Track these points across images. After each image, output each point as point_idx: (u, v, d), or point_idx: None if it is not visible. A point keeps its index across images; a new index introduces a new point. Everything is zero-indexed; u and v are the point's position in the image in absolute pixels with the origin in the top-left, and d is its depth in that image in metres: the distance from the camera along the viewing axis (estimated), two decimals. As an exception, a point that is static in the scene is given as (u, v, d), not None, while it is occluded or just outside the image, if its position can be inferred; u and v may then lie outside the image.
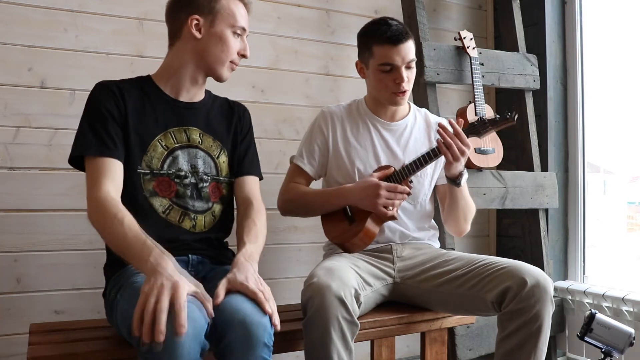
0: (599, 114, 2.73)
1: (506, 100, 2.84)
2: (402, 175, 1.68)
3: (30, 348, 1.36)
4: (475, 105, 2.34)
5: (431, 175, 1.84)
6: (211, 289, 1.23)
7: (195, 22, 1.43)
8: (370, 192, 1.63)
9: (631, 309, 2.29)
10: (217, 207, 1.52)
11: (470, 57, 2.37)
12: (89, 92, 1.43)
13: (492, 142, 2.41)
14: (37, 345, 1.39)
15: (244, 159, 1.58)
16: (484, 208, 2.42)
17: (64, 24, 2.04)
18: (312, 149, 1.81)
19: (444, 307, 1.72)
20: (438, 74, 2.34)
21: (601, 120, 2.74)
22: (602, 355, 1.49)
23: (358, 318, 1.45)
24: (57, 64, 2.02)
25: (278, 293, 1.95)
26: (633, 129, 2.67)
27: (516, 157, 2.60)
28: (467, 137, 1.64)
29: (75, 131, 1.41)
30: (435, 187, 1.87)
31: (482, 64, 2.43)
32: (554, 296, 1.55)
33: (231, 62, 1.48)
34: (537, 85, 2.58)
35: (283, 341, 1.45)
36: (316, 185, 1.88)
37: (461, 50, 2.40)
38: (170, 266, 1.13)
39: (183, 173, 1.46)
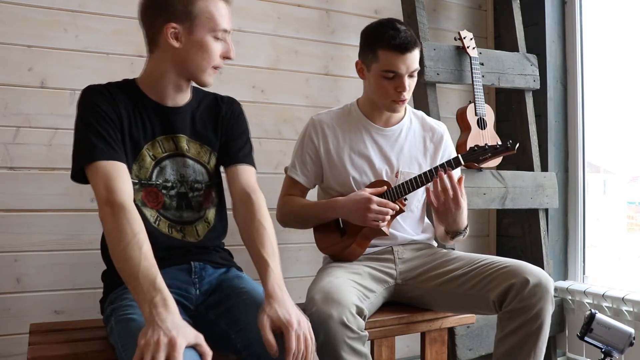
0: (599, 114, 2.73)
1: (506, 100, 2.84)
2: (396, 195, 1.67)
3: (30, 348, 1.36)
4: (475, 105, 2.34)
5: None
6: (231, 310, 1.26)
7: (172, 30, 1.33)
8: (361, 205, 1.62)
9: (631, 309, 2.29)
10: (210, 213, 1.48)
11: (470, 57, 2.37)
12: (79, 98, 1.35)
13: (491, 142, 2.41)
14: (37, 345, 1.39)
15: (234, 147, 1.48)
16: (484, 208, 2.42)
17: (64, 24, 2.04)
18: (304, 160, 1.80)
19: (446, 307, 1.72)
20: (438, 74, 2.34)
21: (601, 120, 2.74)
22: (602, 355, 1.49)
23: None
24: (57, 64, 2.02)
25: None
26: (633, 129, 2.67)
27: (516, 157, 2.60)
28: (465, 163, 1.65)
29: (73, 142, 1.32)
30: (427, 190, 1.86)
31: (482, 64, 2.43)
32: (554, 296, 1.55)
33: (214, 67, 1.39)
34: (537, 85, 2.58)
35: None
36: (313, 193, 1.88)
37: (461, 50, 2.40)
38: (169, 318, 1.07)
39: (170, 184, 1.42)
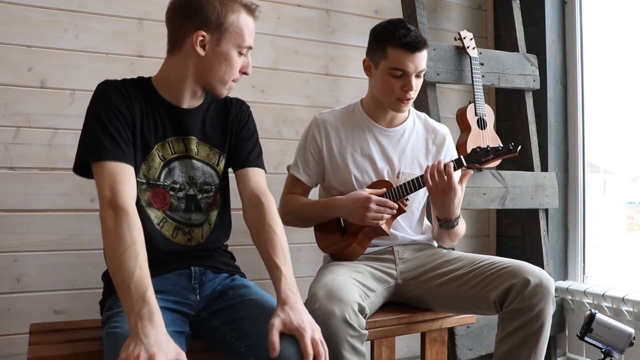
0: (599, 114, 2.73)
1: (506, 100, 2.84)
2: (397, 195, 1.67)
3: (30, 348, 1.36)
4: (475, 105, 2.34)
5: None
6: (239, 321, 1.26)
7: (200, 38, 1.32)
8: (361, 204, 1.62)
9: (631, 309, 2.29)
10: (213, 215, 1.47)
11: (470, 57, 2.37)
12: (94, 91, 1.34)
13: (492, 142, 2.41)
14: (37, 345, 1.39)
15: (244, 150, 1.48)
16: (484, 208, 2.42)
17: (64, 24, 2.04)
18: (307, 159, 1.80)
19: (446, 307, 1.72)
20: (438, 74, 2.34)
21: (601, 120, 2.74)
22: (602, 355, 1.49)
23: None
24: (57, 64, 2.02)
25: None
26: (633, 129, 2.67)
27: (516, 157, 2.59)
28: (468, 165, 1.65)
29: (80, 134, 1.31)
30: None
31: (482, 64, 2.43)
32: (555, 296, 1.55)
33: (233, 80, 1.40)
34: (537, 85, 2.58)
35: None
36: (314, 192, 1.88)
37: (461, 50, 2.40)
38: (153, 333, 1.07)
39: (178, 185, 1.41)
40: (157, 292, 1.30)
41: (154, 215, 1.38)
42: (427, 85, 2.33)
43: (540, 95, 2.62)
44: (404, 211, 1.69)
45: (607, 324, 1.47)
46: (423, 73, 1.69)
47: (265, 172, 1.52)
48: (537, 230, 2.54)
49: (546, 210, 2.58)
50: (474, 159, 1.66)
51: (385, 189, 1.68)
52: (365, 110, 1.82)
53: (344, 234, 1.74)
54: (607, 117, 2.74)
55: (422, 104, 2.33)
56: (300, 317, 1.22)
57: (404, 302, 1.76)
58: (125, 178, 1.26)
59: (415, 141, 1.82)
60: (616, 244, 2.87)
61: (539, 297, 1.49)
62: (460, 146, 2.29)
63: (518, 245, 2.77)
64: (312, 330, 1.21)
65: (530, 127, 2.55)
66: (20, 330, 1.88)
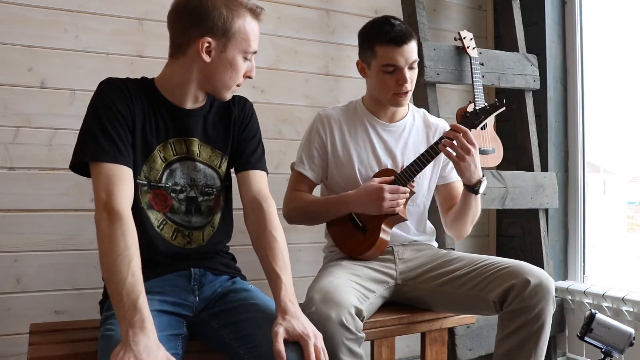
0: (599, 114, 2.73)
1: (506, 100, 2.83)
2: (404, 179, 1.68)
3: (30, 348, 1.36)
4: (475, 105, 2.34)
5: (430, 176, 1.83)
6: (240, 324, 1.27)
7: (206, 45, 1.30)
8: (375, 196, 1.63)
9: (631, 309, 2.29)
10: (216, 218, 1.46)
11: (470, 57, 2.37)
12: (96, 89, 1.32)
13: (492, 142, 2.41)
14: (37, 345, 1.39)
15: (246, 151, 1.47)
16: (484, 208, 2.42)
17: (64, 24, 2.04)
18: (312, 154, 1.80)
19: (446, 307, 1.72)
20: (438, 74, 2.34)
21: (601, 120, 2.74)
22: (602, 355, 1.49)
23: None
24: (57, 64, 2.02)
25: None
26: (633, 129, 2.67)
27: (516, 157, 2.60)
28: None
29: (79, 131, 1.30)
30: (436, 188, 1.87)
31: (482, 64, 2.43)
32: (555, 296, 1.55)
33: (237, 85, 1.39)
34: (537, 85, 2.58)
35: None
36: (316, 191, 1.88)
37: (461, 50, 2.40)
38: (143, 340, 1.07)
39: (179, 187, 1.40)
40: (155, 293, 1.30)
41: (154, 217, 1.37)
42: (427, 85, 2.33)
43: (540, 95, 2.62)
44: (414, 192, 1.71)
45: (607, 324, 1.47)
46: (416, 63, 1.70)
47: (268, 173, 1.51)
48: (537, 230, 2.54)
49: (546, 210, 2.58)
50: (468, 123, 1.67)
51: (393, 177, 1.69)
52: (366, 107, 1.83)
53: (364, 232, 1.73)
54: (607, 117, 2.74)
55: (422, 104, 2.32)
56: (302, 324, 1.22)
57: (403, 302, 1.76)
58: (122, 180, 1.25)
59: (416, 135, 1.83)
60: (616, 244, 2.87)
61: (539, 297, 1.49)
62: (460, 146, 2.28)
63: (518, 245, 2.77)
64: (315, 337, 1.22)
65: (530, 127, 2.55)
66: (20, 330, 1.87)
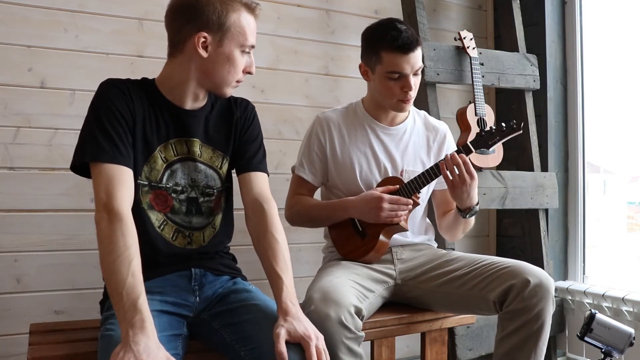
0: (599, 114, 2.73)
1: (506, 100, 2.84)
2: (409, 191, 1.67)
3: (30, 348, 1.37)
4: (475, 105, 2.34)
5: None
6: (241, 325, 1.27)
7: (202, 40, 1.30)
8: (373, 205, 1.63)
9: (631, 309, 2.29)
10: (217, 219, 1.46)
11: (470, 57, 2.37)
12: (97, 90, 1.33)
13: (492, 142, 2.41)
14: (37, 345, 1.39)
15: (248, 153, 1.47)
16: (484, 208, 2.42)
17: (64, 24, 2.04)
18: (312, 158, 1.79)
19: (446, 307, 1.72)
20: (438, 74, 2.34)
21: (601, 120, 2.74)
22: (602, 355, 1.49)
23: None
24: (57, 64, 2.02)
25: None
26: (633, 129, 2.67)
27: (516, 157, 2.60)
28: (476, 148, 1.64)
29: (79, 132, 1.30)
30: (433, 192, 1.87)
31: (482, 64, 2.43)
32: (554, 296, 1.55)
33: (237, 81, 1.38)
34: (537, 85, 2.58)
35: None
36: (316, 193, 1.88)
37: (461, 50, 2.40)
38: (143, 341, 1.08)
39: (180, 188, 1.40)
40: (156, 293, 1.30)
41: (155, 217, 1.37)
42: (427, 85, 2.33)
43: (540, 95, 2.62)
44: (418, 204, 1.69)
45: (607, 324, 1.47)
46: (420, 70, 1.69)
47: (269, 175, 1.51)
48: (537, 231, 2.54)
49: (546, 210, 2.58)
50: (481, 143, 1.65)
51: (398, 186, 1.68)
52: (366, 109, 1.82)
53: (363, 237, 1.73)
54: (607, 117, 2.74)
55: (422, 104, 2.32)
56: (304, 325, 1.23)
57: (403, 302, 1.76)
58: (122, 181, 1.25)
59: (417, 139, 1.83)
60: (616, 244, 2.87)
61: (538, 297, 1.49)
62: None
63: (518, 245, 2.77)
64: (316, 339, 1.22)
65: (530, 127, 2.55)
66: (20, 330, 1.88)
